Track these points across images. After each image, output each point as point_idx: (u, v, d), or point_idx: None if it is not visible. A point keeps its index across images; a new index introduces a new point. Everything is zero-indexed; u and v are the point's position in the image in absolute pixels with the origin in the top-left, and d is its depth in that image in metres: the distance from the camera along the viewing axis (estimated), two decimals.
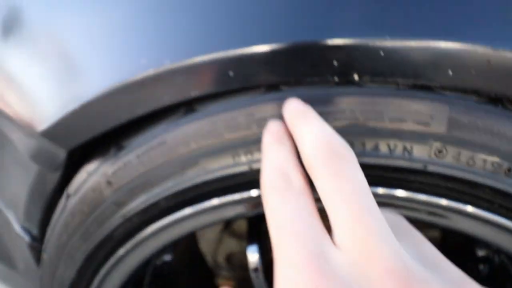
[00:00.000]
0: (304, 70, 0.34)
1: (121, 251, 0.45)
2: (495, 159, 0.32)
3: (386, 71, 0.33)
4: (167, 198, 0.40)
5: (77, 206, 0.46)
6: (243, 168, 0.36)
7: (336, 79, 0.34)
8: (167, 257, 0.67)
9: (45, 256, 0.51)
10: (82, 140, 0.42)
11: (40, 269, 0.53)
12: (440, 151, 0.32)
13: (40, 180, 0.49)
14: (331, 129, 0.28)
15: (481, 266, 0.56)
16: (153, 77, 0.37)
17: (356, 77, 0.33)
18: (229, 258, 0.82)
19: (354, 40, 0.32)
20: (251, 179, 0.37)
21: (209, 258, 0.81)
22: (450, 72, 0.32)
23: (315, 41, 0.32)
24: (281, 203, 0.25)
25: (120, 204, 0.42)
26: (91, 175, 0.45)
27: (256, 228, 0.50)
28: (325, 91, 0.34)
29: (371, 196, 0.24)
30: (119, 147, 0.43)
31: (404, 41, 0.31)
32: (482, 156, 0.32)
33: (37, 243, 0.55)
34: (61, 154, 0.44)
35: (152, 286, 0.62)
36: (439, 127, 0.32)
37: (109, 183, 0.43)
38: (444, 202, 0.34)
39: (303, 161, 0.27)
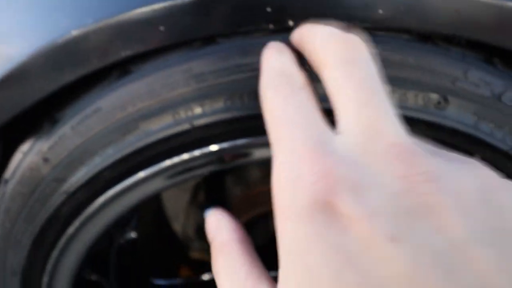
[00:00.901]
0: (238, 19, 0.33)
1: (71, 230, 0.43)
2: (426, 94, 0.33)
3: (319, 15, 0.32)
4: (109, 168, 0.38)
5: (16, 189, 0.43)
6: (185, 127, 0.35)
7: (271, 26, 0.33)
8: (131, 235, 0.65)
9: None
10: (7, 117, 0.38)
11: None
12: None
13: None
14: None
15: None
16: (76, 39, 0.34)
17: (291, 23, 0.33)
18: (199, 229, 0.82)
19: None
20: (194, 138, 0.36)
21: (179, 231, 0.81)
22: (381, 11, 0.32)
23: None
24: (281, 98, 0.24)
25: (60, 180, 0.40)
26: (27, 155, 0.42)
27: (212, 193, 0.50)
28: (262, 40, 0.33)
29: (383, 85, 0.23)
30: (53, 121, 0.40)
31: None
32: (414, 92, 0.33)
33: None
34: None
35: (118, 266, 0.61)
36: None
37: (46, 160, 0.40)
38: None
39: (311, 60, 0.26)
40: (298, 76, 0.26)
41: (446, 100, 0.34)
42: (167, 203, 0.80)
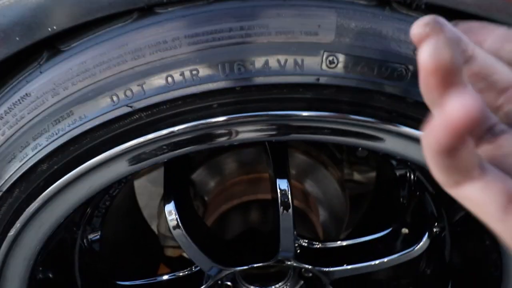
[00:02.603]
0: None
1: (12, 232, 0.39)
2: (387, 64, 0.31)
3: None
4: (45, 161, 0.34)
5: None
6: (125, 110, 0.31)
7: None
8: (93, 235, 0.61)
9: None
10: None
11: None
12: (331, 62, 0.30)
13: None
14: None
15: (401, 190, 0.59)
16: None
17: None
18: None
19: None
20: (139, 123, 0.32)
21: (155, 230, 0.77)
22: None
23: None
24: None
25: None
26: None
27: (171, 185, 0.47)
28: (204, 8, 0.30)
29: None
30: None
31: None
32: (373, 62, 0.31)
33: None
34: None
35: (82, 266, 0.57)
36: (327, 36, 0.30)
37: None
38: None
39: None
40: None
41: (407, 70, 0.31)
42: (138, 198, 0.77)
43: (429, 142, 0.17)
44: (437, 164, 0.18)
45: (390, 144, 0.35)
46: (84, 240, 0.58)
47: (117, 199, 0.61)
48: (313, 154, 0.72)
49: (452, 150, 0.17)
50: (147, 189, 0.85)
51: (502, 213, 0.18)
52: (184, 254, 0.79)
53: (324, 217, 0.73)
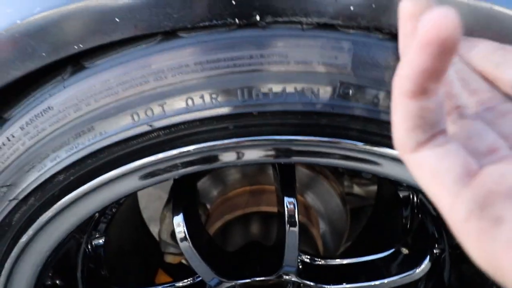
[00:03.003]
0: (201, 12, 0.31)
1: (24, 239, 0.40)
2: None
3: (289, 9, 0.30)
4: (62, 172, 0.35)
5: None
6: (145, 128, 0.32)
7: (236, 21, 0.31)
8: (98, 241, 0.62)
9: None
10: None
11: None
12: (345, 91, 0.32)
13: None
14: None
15: (404, 210, 0.60)
16: (21, 31, 0.31)
17: (257, 17, 0.31)
18: (173, 233, 0.79)
19: None
20: (155, 141, 0.33)
21: (156, 236, 0.77)
22: (352, 8, 0.30)
23: None
24: None
25: (10, 186, 0.36)
26: None
27: (180, 197, 0.48)
28: (226, 35, 0.31)
29: None
30: (0, 120, 0.36)
31: None
32: (384, 93, 0.32)
33: None
34: None
35: (85, 271, 0.57)
36: (344, 67, 0.31)
37: None
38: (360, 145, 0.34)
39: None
40: None
41: None
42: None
43: (400, 84, 0.17)
44: (405, 114, 0.17)
45: (388, 168, 0.36)
46: (89, 245, 0.59)
47: (123, 205, 0.62)
48: (316, 167, 0.74)
49: (423, 91, 0.16)
50: (146, 191, 0.86)
51: (457, 186, 0.17)
52: (183, 261, 0.79)
53: (324, 231, 0.73)
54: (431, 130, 0.18)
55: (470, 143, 0.19)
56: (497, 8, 0.29)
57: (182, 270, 0.77)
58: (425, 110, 0.17)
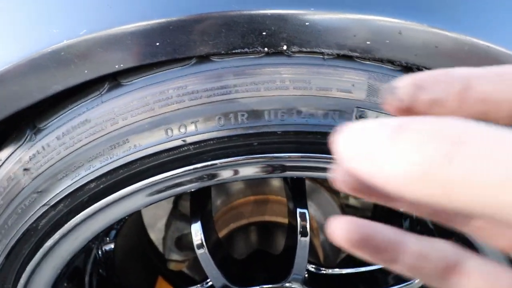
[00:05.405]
0: (234, 40, 0.34)
1: (49, 243, 0.41)
2: None
3: (312, 41, 0.34)
4: (94, 181, 0.37)
5: None
6: (177, 143, 0.35)
7: (265, 49, 0.34)
8: (109, 246, 0.63)
9: None
10: None
11: None
12: (361, 116, 0.35)
13: None
14: None
15: (404, 222, 0.64)
16: (67, 49, 0.33)
17: (284, 47, 0.34)
18: (178, 241, 0.80)
19: (281, 11, 0.32)
20: (186, 154, 0.36)
21: (159, 244, 0.79)
22: (368, 43, 0.34)
23: (245, 11, 0.32)
24: None
25: (41, 192, 0.39)
26: (5, 163, 0.40)
27: (198, 205, 0.50)
28: (256, 61, 0.34)
29: None
30: (36, 130, 0.39)
31: (327, 13, 0.33)
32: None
33: None
34: None
35: (93, 277, 0.59)
36: (360, 94, 0.35)
37: (26, 170, 0.39)
38: None
39: None
40: None
41: None
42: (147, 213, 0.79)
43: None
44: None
45: None
46: (99, 251, 0.61)
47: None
48: (318, 179, 0.77)
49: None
50: None
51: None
52: (185, 270, 0.81)
53: (323, 240, 0.76)
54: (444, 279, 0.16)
55: None
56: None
57: (182, 278, 0.78)
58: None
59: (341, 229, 0.16)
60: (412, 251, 0.17)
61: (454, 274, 0.16)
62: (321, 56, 0.35)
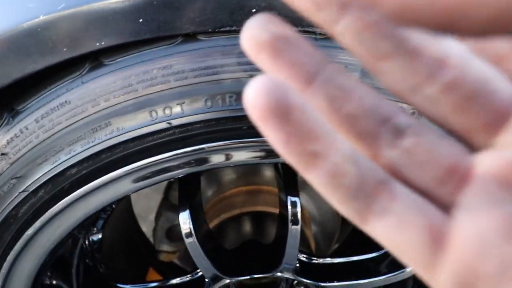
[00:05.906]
0: (222, 18, 0.32)
1: (30, 231, 0.40)
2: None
3: (304, 20, 0.32)
4: (75, 166, 0.35)
5: None
6: (162, 126, 0.34)
7: None
8: (96, 236, 0.62)
9: None
10: None
11: None
12: None
13: None
14: None
15: None
16: (44, 25, 0.31)
17: None
18: (168, 231, 0.79)
19: None
20: (171, 138, 0.34)
21: (149, 235, 0.78)
22: None
23: None
24: None
25: (20, 177, 0.37)
26: None
27: (186, 194, 0.49)
28: None
29: None
30: (14, 112, 0.37)
31: None
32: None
33: None
34: None
35: (80, 267, 0.57)
36: (353, 75, 0.34)
37: (4, 154, 0.37)
38: None
39: None
40: None
41: None
42: (137, 204, 0.77)
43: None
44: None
45: None
46: (86, 241, 0.59)
47: (122, 201, 0.62)
48: None
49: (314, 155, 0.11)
50: None
51: (429, 261, 0.12)
52: (175, 261, 0.80)
53: (316, 231, 0.76)
54: (369, 197, 0.13)
55: (417, 174, 0.13)
56: None
57: (173, 269, 0.77)
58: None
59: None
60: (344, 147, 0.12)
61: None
62: (314, 36, 0.33)
